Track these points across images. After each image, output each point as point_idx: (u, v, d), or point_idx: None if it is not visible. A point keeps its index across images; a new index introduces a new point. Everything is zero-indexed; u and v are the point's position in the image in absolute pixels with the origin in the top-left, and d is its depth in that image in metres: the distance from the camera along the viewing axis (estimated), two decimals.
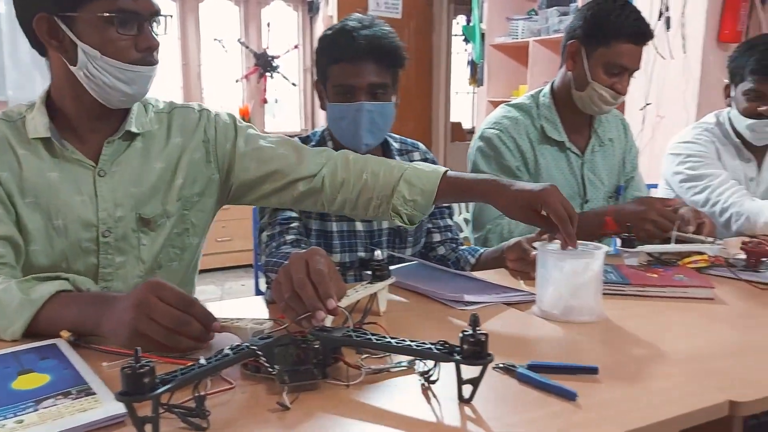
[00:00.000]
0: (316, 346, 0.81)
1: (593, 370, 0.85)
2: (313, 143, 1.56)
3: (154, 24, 1.12)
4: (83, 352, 0.90)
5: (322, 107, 1.54)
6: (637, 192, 1.97)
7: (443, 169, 1.22)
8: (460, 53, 6.02)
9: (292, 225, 1.46)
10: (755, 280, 1.31)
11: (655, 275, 1.28)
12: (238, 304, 1.23)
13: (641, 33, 1.69)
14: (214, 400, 0.76)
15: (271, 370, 0.78)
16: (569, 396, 0.78)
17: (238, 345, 0.80)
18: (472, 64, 5.18)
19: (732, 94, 1.98)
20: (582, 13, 1.75)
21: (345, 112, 1.46)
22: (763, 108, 1.87)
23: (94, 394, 0.76)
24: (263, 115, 5.40)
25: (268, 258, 1.39)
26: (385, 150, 1.60)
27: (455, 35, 5.78)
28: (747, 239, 1.41)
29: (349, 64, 1.44)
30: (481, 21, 4.80)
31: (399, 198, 1.20)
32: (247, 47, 5.23)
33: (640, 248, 1.40)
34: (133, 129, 1.18)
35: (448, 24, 5.55)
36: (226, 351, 0.78)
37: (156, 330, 0.86)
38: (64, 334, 0.92)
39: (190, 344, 0.89)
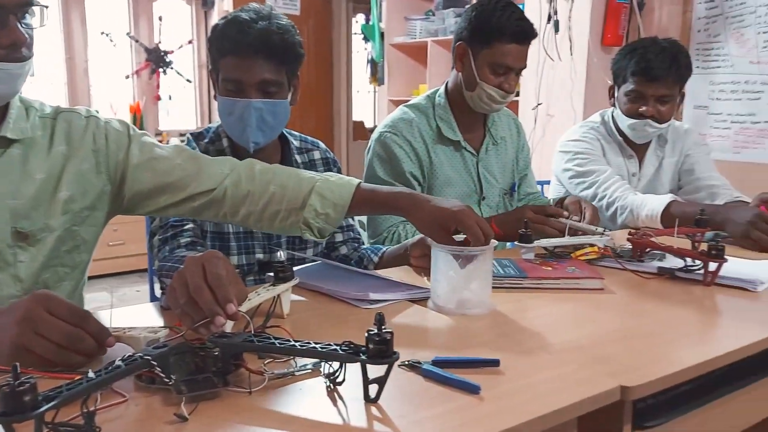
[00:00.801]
0: (216, 353, 0.78)
1: (495, 363, 0.87)
2: (206, 140, 1.51)
3: (27, 15, 1.01)
4: None
5: (215, 97, 1.47)
6: (529, 189, 2.05)
7: (356, 181, 1.20)
8: (360, 52, 6.04)
9: (186, 227, 1.39)
10: (640, 270, 1.40)
11: (550, 268, 1.34)
12: (131, 312, 1.17)
13: (523, 32, 1.74)
14: (106, 415, 0.71)
15: (167, 380, 0.74)
16: (473, 390, 0.79)
17: (130, 355, 0.75)
18: (372, 63, 5.22)
19: (615, 94, 2.10)
20: (467, 15, 1.79)
21: (233, 107, 1.39)
22: (643, 108, 1.99)
23: None
24: (157, 113, 5.19)
25: (161, 263, 1.31)
26: (284, 148, 1.57)
27: (355, 33, 5.80)
28: (633, 230, 1.49)
29: (238, 58, 1.36)
30: (380, 20, 4.85)
31: (311, 211, 1.17)
32: (137, 41, 5.01)
33: (536, 243, 1.45)
34: (9, 135, 1.08)
35: (347, 22, 5.56)
36: (118, 362, 0.73)
37: (44, 346, 0.80)
38: None
39: (80, 360, 0.82)
